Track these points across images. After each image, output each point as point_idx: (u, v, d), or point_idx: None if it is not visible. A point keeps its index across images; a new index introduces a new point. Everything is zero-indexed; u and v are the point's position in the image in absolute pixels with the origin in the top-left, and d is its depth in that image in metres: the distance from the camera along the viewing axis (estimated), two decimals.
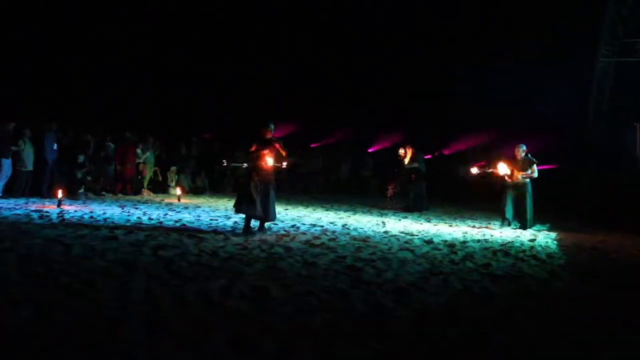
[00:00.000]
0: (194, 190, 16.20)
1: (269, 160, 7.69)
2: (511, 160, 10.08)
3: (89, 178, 13.18)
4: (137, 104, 18.48)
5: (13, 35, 15.99)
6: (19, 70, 16.06)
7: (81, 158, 13.01)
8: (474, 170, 11.38)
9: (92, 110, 17.21)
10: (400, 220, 10.87)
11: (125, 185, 14.31)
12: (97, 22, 17.89)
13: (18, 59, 16.12)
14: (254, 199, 7.48)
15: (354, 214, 11.68)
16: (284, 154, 7.94)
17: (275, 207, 8.08)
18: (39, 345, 2.98)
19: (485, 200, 13.83)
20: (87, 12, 17.69)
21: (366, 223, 10.01)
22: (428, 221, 10.75)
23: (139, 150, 14.85)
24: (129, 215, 9.19)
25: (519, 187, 9.94)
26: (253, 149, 7.86)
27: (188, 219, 9.09)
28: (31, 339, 3.05)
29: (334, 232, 8.39)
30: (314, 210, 12.20)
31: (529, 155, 9.99)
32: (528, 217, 9.84)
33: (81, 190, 12.40)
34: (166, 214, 9.74)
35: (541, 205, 14.61)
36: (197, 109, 20.46)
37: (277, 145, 7.76)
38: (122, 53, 18.53)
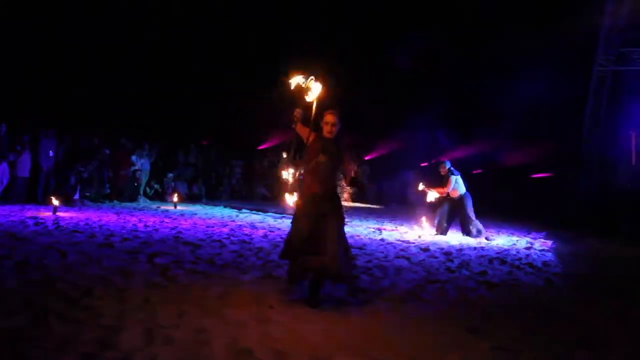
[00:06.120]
0: (190, 197, 16.18)
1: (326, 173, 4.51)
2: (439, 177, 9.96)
3: (84, 185, 13.14)
4: (133, 110, 18.47)
5: (10, 38, 15.97)
6: (16, 75, 16.05)
7: (77, 165, 12.97)
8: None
9: (88, 116, 17.18)
10: (396, 227, 10.87)
11: (120, 192, 14.26)
12: (96, 27, 17.88)
13: (16, 64, 16.11)
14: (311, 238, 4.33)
15: (351, 221, 11.67)
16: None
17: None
18: (35, 354, 2.96)
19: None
20: (85, 16, 17.67)
21: (363, 230, 10.02)
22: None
23: (134, 157, 14.81)
24: (124, 223, 9.17)
25: (454, 200, 9.78)
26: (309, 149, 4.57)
27: (184, 226, 9.08)
28: (28, 347, 3.04)
29: None
30: None
31: (451, 169, 9.74)
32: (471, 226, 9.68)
33: (77, 197, 12.35)
34: (162, 221, 9.72)
35: (538, 213, 14.61)
36: (195, 115, 20.45)
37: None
38: (119, 59, 18.54)
